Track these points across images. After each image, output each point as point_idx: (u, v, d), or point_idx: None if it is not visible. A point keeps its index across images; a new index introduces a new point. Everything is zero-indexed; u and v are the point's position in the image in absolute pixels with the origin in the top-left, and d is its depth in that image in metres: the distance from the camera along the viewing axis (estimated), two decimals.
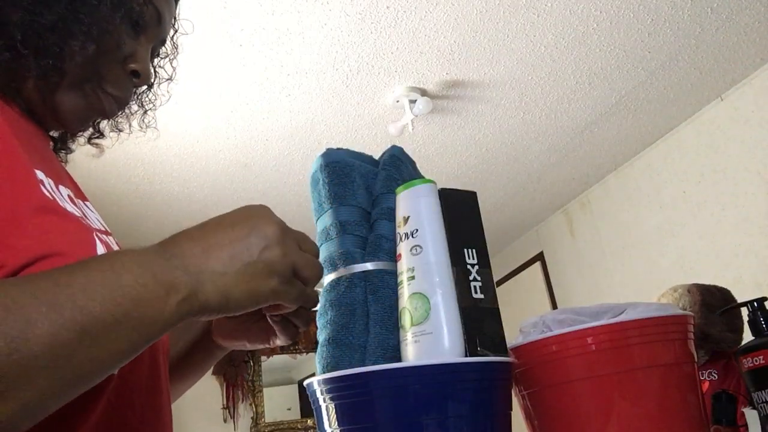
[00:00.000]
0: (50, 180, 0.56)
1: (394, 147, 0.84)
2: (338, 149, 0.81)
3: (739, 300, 1.52)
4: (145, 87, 0.73)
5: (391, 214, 0.74)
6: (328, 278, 0.74)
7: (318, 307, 0.76)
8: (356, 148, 0.85)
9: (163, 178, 3.05)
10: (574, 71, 2.65)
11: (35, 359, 0.35)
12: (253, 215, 0.49)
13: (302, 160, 3.03)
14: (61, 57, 0.58)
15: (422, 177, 0.78)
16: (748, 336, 0.91)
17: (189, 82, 2.35)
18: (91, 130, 0.75)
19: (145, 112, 0.77)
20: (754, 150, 2.85)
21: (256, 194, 3.31)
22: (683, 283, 1.89)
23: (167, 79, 0.77)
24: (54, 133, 0.73)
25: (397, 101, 2.66)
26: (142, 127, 0.74)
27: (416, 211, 0.70)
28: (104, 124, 0.76)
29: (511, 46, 2.44)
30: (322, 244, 0.77)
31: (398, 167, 0.79)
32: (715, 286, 1.86)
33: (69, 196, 0.59)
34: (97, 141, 0.75)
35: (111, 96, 0.64)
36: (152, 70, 0.70)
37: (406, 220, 0.70)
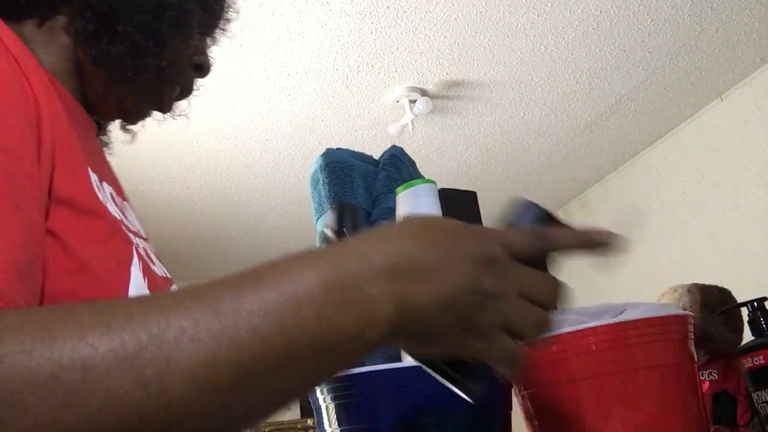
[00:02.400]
0: (95, 176, 0.54)
1: (394, 147, 0.84)
2: (338, 149, 0.81)
3: (739, 300, 1.52)
4: None
5: (391, 213, 0.74)
6: None
7: None
8: (356, 148, 0.85)
9: (163, 178, 3.05)
10: (574, 71, 2.65)
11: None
12: (477, 246, 0.37)
13: (302, 160, 3.03)
14: (163, 57, 0.57)
15: (422, 177, 0.78)
16: (748, 336, 0.91)
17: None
18: None
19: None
20: (754, 150, 2.85)
21: (256, 194, 3.31)
22: (683, 283, 1.89)
23: None
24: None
25: (397, 101, 2.65)
26: (173, 115, 0.73)
27: (416, 211, 0.70)
28: None
29: (511, 46, 2.44)
30: (322, 244, 0.77)
31: (398, 167, 0.79)
32: (715, 286, 1.86)
33: (111, 194, 0.57)
34: (129, 127, 0.74)
35: (181, 90, 0.64)
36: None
37: None
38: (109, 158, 0.67)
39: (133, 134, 0.71)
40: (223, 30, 0.71)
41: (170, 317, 0.29)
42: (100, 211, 0.49)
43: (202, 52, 0.66)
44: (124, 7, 0.55)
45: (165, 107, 0.65)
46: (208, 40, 0.71)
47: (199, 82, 0.70)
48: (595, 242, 0.42)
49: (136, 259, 0.52)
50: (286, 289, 0.32)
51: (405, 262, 0.34)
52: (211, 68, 0.68)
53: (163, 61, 0.58)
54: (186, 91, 0.66)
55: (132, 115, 0.64)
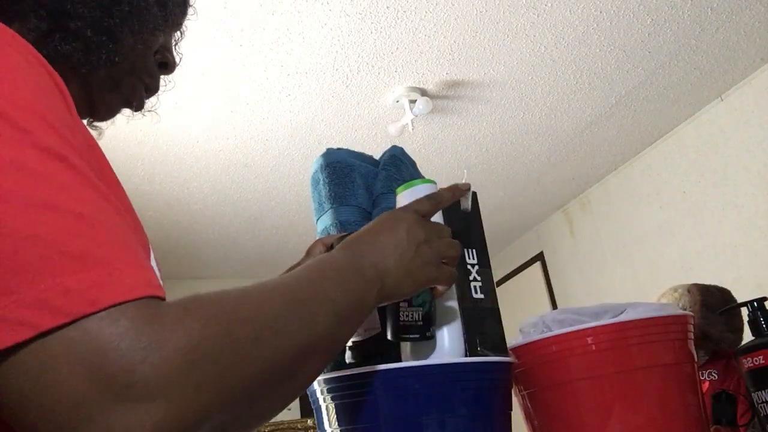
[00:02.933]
0: None
1: (394, 147, 0.84)
2: (339, 149, 0.81)
3: (739, 300, 1.52)
4: None
5: None
6: None
7: None
8: (356, 148, 0.85)
9: (163, 178, 3.05)
10: (574, 71, 2.65)
11: (319, 340, 0.46)
12: (401, 220, 0.60)
13: (302, 160, 3.03)
14: (119, 53, 0.58)
15: (423, 177, 0.78)
16: (748, 336, 0.91)
17: (189, 83, 2.35)
18: None
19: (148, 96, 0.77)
20: (754, 150, 2.85)
21: (256, 194, 3.31)
22: (683, 283, 1.89)
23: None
24: None
25: (397, 101, 2.66)
26: (142, 111, 0.73)
27: None
28: None
29: (511, 46, 2.44)
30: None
31: (399, 167, 0.79)
32: (715, 286, 1.86)
33: None
34: (96, 123, 0.75)
35: (146, 87, 0.65)
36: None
37: None
38: (110, 158, 0.67)
39: (99, 130, 0.72)
40: (184, 26, 0.71)
41: (300, 300, 0.46)
42: (129, 206, 0.51)
43: (167, 49, 0.67)
44: (74, 4, 0.55)
45: (135, 104, 0.66)
46: (175, 37, 0.71)
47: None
48: (460, 190, 0.67)
49: (151, 251, 0.54)
50: (337, 275, 0.52)
51: (376, 251, 0.56)
52: (177, 65, 0.69)
53: (116, 57, 0.58)
54: (151, 90, 0.67)
55: (100, 113, 0.64)
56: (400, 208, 0.62)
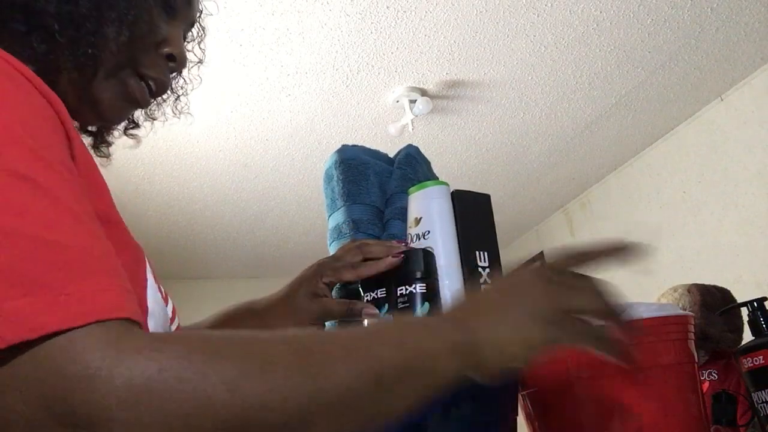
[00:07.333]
0: None
1: (410, 146, 0.83)
2: (354, 146, 0.81)
3: (739, 300, 1.52)
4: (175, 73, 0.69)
5: (404, 214, 0.74)
6: None
7: None
8: None
9: (163, 178, 3.05)
10: (574, 71, 2.65)
11: (335, 399, 0.38)
12: (518, 282, 0.51)
13: (302, 160, 3.03)
14: (96, 46, 0.55)
15: (437, 178, 0.78)
16: (748, 336, 0.91)
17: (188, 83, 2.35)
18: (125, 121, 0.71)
19: (178, 97, 0.75)
20: (754, 150, 2.85)
21: (256, 194, 3.31)
22: (683, 283, 1.89)
23: (198, 63, 0.75)
24: (91, 128, 0.69)
25: (397, 101, 2.65)
26: (175, 113, 0.72)
27: (428, 213, 0.69)
28: (138, 113, 0.72)
29: (511, 46, 2.44)
30: (333, 241, 0.77)
31: (414, 167, 0.79)
32: (715, 286, 1.86)
33: None
34: (133, 132, 0.74)
35: (148, 81, 0.62)
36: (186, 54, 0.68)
37: (417, 221, 0.70)
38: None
39: (138, 138, 0.71)
40: (200, 21, 0.70)
41: (308, 348, 0.40)
42: (118, 219, 0.50)
43: (174, 43, 0.64)
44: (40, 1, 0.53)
45: (140, 102, 0.63)
46: (192, 34, 0.70)
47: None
48: (615, 248, 0.55)
49: (147, 263, 0.52)
50: (395, 326, 0.46)
51: (467, 309, 0.49)
52: (185, 59, 0.66)
53: (92, 49, 0.55)
54: (160, 85, 0.63)
55: (108, 115, 0.61)
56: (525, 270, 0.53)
